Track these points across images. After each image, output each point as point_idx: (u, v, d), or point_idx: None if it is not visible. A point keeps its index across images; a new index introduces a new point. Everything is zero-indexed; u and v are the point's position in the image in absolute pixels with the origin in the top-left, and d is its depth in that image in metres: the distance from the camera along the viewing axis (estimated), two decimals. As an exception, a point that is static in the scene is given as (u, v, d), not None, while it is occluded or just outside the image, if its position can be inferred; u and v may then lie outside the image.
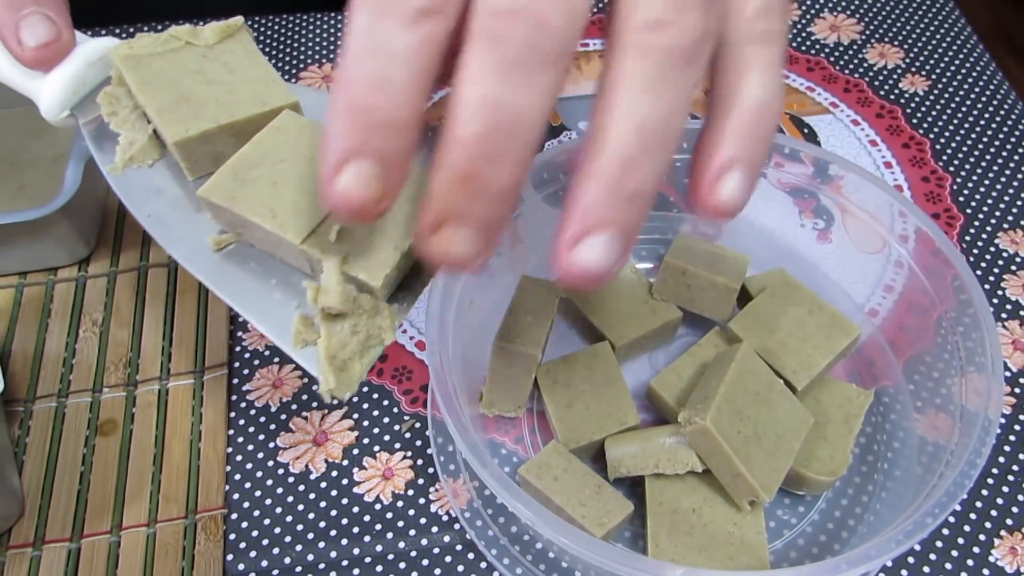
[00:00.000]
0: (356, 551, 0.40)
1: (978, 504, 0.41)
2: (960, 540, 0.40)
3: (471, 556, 0.40)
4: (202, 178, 0.33)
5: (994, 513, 0.41)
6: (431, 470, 0.42)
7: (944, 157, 0.56)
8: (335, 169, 0.23)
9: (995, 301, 0.49)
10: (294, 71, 0.61)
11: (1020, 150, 0.56)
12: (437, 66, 0.23)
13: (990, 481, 0.42)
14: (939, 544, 0.40)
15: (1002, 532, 0.41)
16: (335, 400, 0.37)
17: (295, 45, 0.62)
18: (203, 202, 0.31)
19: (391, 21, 0.22)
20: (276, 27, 0.64)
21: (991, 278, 0.50)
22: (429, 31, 0.22)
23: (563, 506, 0.37)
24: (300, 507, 0.41)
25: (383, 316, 0.30)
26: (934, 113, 0.59)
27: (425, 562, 0.39)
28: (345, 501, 0.41)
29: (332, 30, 0.64)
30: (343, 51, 0.22)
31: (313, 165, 0.31)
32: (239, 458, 0.43)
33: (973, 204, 0.53)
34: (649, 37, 0.23)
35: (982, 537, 0.40)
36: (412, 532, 0.40)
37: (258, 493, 0.42)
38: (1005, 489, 0.42)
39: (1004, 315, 0.48)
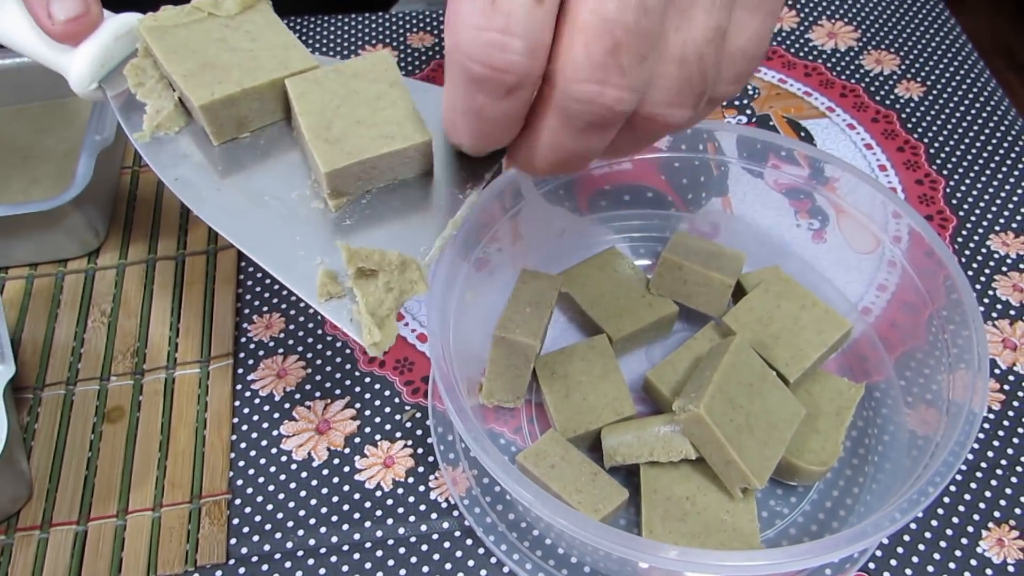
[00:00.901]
0: (357, 536, 0.41)
1: (967, 497, 0.42)
2: (948, 531, 0.41)
3: (469, 542, 0.41)
4: (227, 143, 0.35)
5: (982, 506, 0.42)
6: (431, 458, 0.43)
7: (938, 161, 0.57)
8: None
9: (986, 301, 0.50)
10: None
11: (1012, 154, 0.57)
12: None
13: (978, 475, 0.43)
14: (928, 535, 0.41)
15: (990, 524, 0.41)
16: (377, 355, 0.38)
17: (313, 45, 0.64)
18: (332, 178, 0.32)
19: (486, 94, 0.26)
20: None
21: (982, 278, 0.51)
22: (516, 99, 0.26)
23: (560, 493, 0.38)
24: (302, 493, 0.42)
25: (412, 270, 0.31)
26: (928, 118, 0.60)
27: (424, 547, 0.40)
28: (346, 488, 0.42)
29: (342, 31, 0.65)
30: (446, 98, 0.28)
31: (365, 98, 0.33)
32: (243, 445, 0.44)
33: (966, 207, 0.54)
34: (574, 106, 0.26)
35: (970, 529, 0.41)
36: (412, 518, 0.41)
37: (261, 479, 0.43)
38: (993, 483, 0.43)
39: (995, 314, 0.49)
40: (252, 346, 0.47)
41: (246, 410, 0.45)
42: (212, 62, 0.34)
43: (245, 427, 0.44)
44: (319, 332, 0.48)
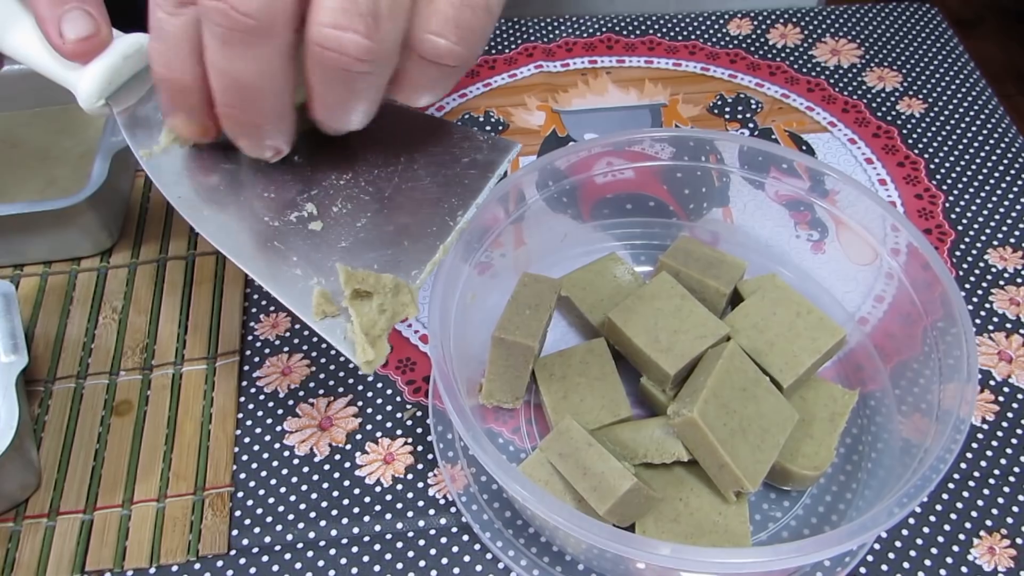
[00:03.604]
0: (356, 530, 0.41)
1: (959, 505, 0.43)
2: (940, 539, 0.42)
3: (466, 538, 0.41)
4: (231, 164, 0.36)
5: (974, 514, 0.42)
6: (430, 456, 0.44)
7: (938, 176, 0.58)
8: (165, 111, 0.34)
9: (983, 314, 0.50)
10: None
11: (1012, 171, 0.58)
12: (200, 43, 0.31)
13: (971, 484, 0.43)
14: (919, 542, 0.41)
15: (981, 532, 0.42)
16: (369, 373, 0.39)
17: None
18: (676, 377, 0.41)
19: (161, 11, 0.30)
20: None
21: (979, 291, 0.51)
22: (190, 16, 0.30)
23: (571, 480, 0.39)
24: (304, 487, 0.43)
25: (404, 293, 0.32)
26: (929, 134, 0.60)
27: (422, 543, 0.41)
28: (347, 483, 0.43)
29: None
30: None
31: (671, 312, 0.42)
32: (247, 440, 0.45)
33: (964, 221, 0.55)
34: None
35: (962, 537, 0.42)
36: (410, 514, 0.42)
37: (264, 473, 0.43)
38: (985, 492, 0.43)
39: (991, 327, 0.50)
40: (258, 344, 0.48)
41: (251, 406, 0.46)
42: None
43: (249, 422, 0.45)
44: (324, 332, 0.49)
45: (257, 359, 0.48)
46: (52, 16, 0.34)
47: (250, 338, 0.49)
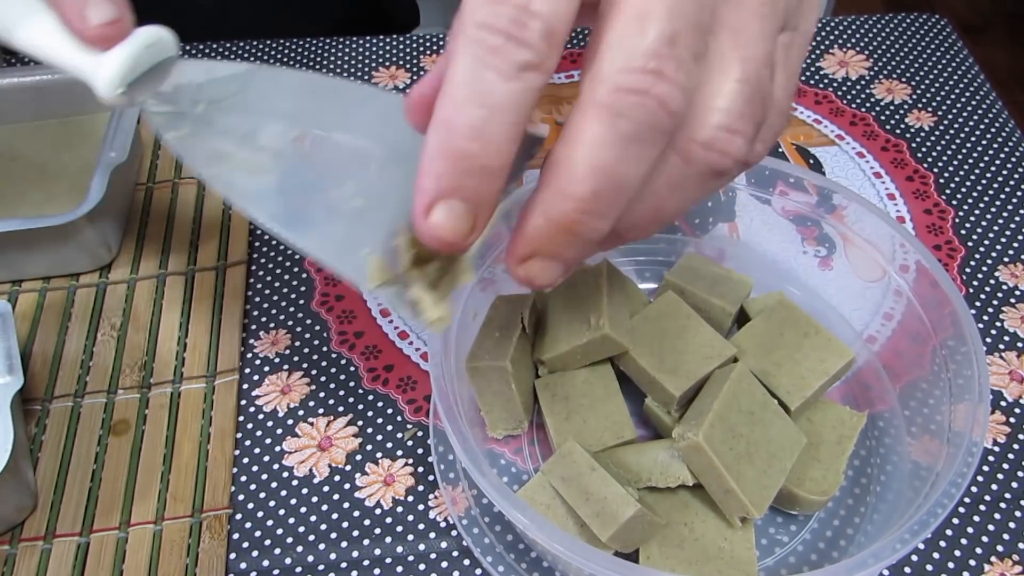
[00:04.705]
0: (355, 554, 0.41)
1: (969, 530, 0.42)
2: (951, 564, 0.41)
3: (467, 562, 0.41)
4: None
5: (985, 539, 0.42)
6: (431, 477, 0.43)
7: (948, 191, 0.57)
8: (428, 206, 0.25)
9: (993, 332, 0.50)
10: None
11: (1023, 186, 0.57)
12: (530, 115, 0.24)
13: (982, 507, 0.43)
14: (929, 568, 0.41)
15: (992, 558, 0.41)
16: (439, 332, 0.38)
17: (315, 68, 0.65)
18: (681, 399, 0.40)
19: (495, 72, 0.23)
20: (295, 50, 0.66)
21: (990, 309, 0.51)
22: (530, 84, 0.23)
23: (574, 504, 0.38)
24: (303, 510, 0.42)
25: (459, 260, 0.32)
26: (939, 148, 0.60)
27: (422, 567, 0.40)
28: (346, 505, 0.42)
29: (358, 53, 0.66)
30: (444, 92, 0.24)
31: (675, 332, 0.41)
32: (246, 460, 0.44)
33: (975, 237, 0.54)
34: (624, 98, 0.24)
35: (972, 563, 0.41)
36: (410, 537, 0.41)
37: (263, 495, 0.43)
38: (997, 516, 0.42)
39: (1002, 346, 0.49)
40: (258, 362, 0.48)
41: (250, 425, 0.45)
42: None
43: (248, 442, 0.45)
44: (324, 349, 0.48)
45: (256, 377, 0.47)
46: (75, 1, 0.34)
47: (249, 355, 0.48)
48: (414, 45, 0.67)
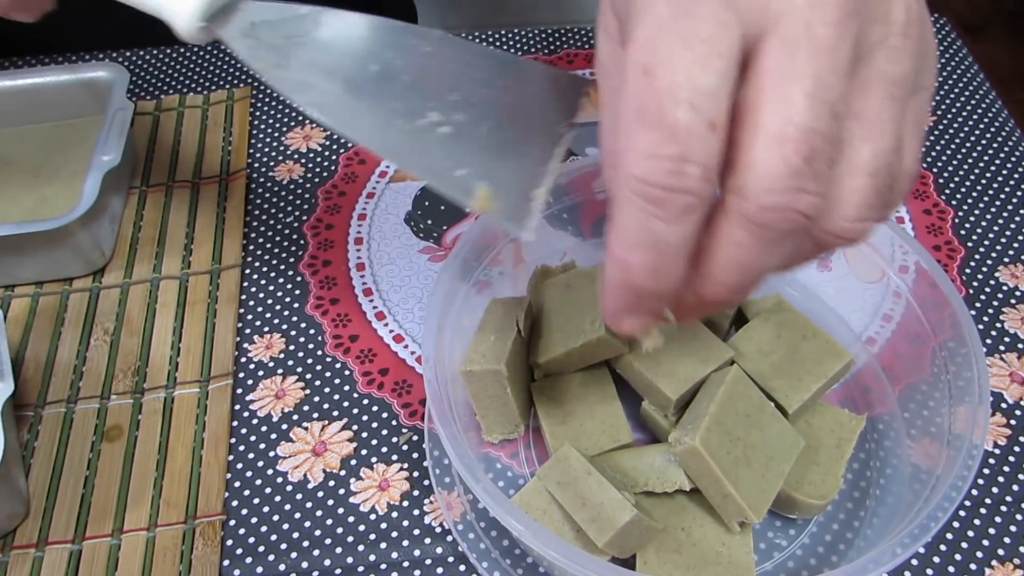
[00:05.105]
0: (349, 560, 0.40)
1: (970, 533, 0.41)
2: (951, 568, 0.40)
3: (462, 568, 0.40)
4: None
5: (986, 543, 0.41)
6: (427, 482, 0.43)
7: (947, 191, 0.56)
8: (615, 316, 0.29)
9: (994, 333, 0.49)
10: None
11: (1023, 186, 0.57)
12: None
13: (982, 511, 0.42)
14: (930, 572, 0.40)
15: (993, 562, 0.40)
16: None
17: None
18: (678, 402, 0.41)
19: (660, 220, 0.25)
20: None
21: (990, 310, 0.50)
22: (693, 221, 0.26)
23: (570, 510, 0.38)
24: (297, 515, 0.42)
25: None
26: (938, 147, 0.59)
27: (417, 573, 0.40)
28: (341, 511, 0.42)
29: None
30: (615, 234, 0.26)
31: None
32: (240, 466, 0.44)
33: (974, 238, 0.54)
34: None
35: (973, 567, 0.40)
36: (405, 543, 0.41)
37: (256, 500, 0.42)
38: (997, 519, 0.42)
39: (1002, 347, 0.49)
40: (252, 366, 0.48)
41: (244, 430, 0.45)
42: None
43: (242, 448, 0.44)
44: (319, 353, 0.48)
45: (250, 382, 0.47)
46: None
47: (243, 360, 0.48)
48: (410, 46, 0.66)
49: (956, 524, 0.42)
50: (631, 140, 0.25)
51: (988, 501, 0.42)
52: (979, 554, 0.41)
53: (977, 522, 0.42)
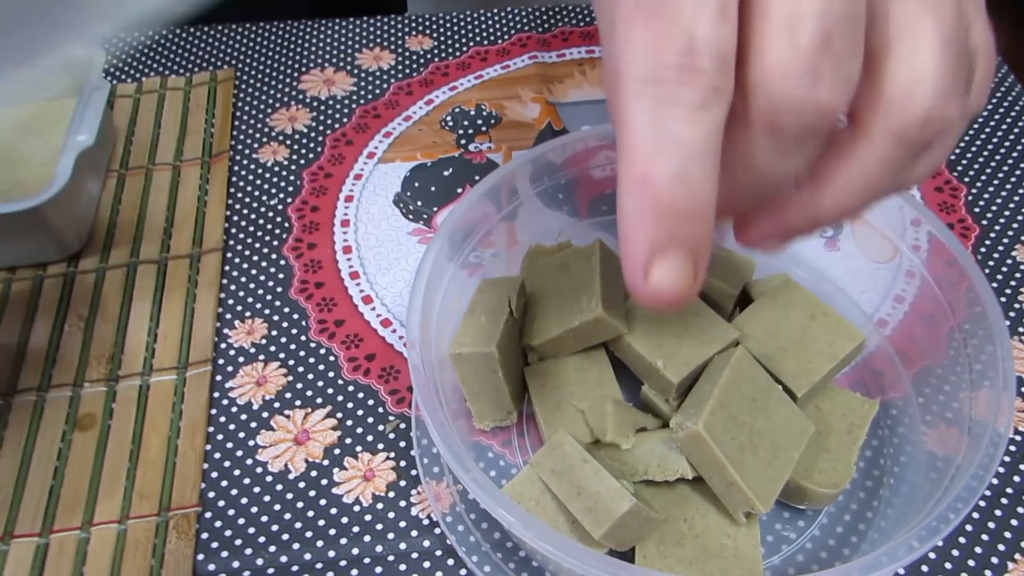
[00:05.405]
0: (331, 553, 0.38)
1: (991, 525, 0.39)
2: (971, 563, 0.38)
3: (451, 562, 0.38)
4: None
5: (1008, 535, 0.39)
6: (414, 472, 0.41)
7: (959, 167, 0.54)
8: (645, 267, 0.23)
9: (1012, 315, 0.47)
10: (296, 75, 0.60)
11: (1040, 163, 0.54)
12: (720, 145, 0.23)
13: (1004, 501, 0.40)
14: (948, 566, 0.38)
15: (1016, 555, 0.38)
16: None
17: (297, 50, 0.62)
18: (680, 386, 0.38)
19: (676, 119, 0.22)
20: (277, 32, 0.64)
21: (1007, 291, 0.48)
22: (711, 121, 0.22)
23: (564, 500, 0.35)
24: (276, 507, 0.40)
25: None
26: (950, 125, 0.57)
27: (403, 567, 0.38)
28: (323, 502, 0.40)
29: (340, 34, 0.63)
30: (626, 152, 0.22)
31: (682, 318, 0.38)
32: (217, 455, 0.41)
33: (989, 215, 0.51)
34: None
35: (995, 560, 0.38)
36: (391, 536, 0.39)
37: (234, 492, 0.40)
38: (1020, 510, 0.39)
39: (1021, 329, 0.46)
40: (232, 352, 0.45)
41: (222, 419, 0.43)
42: None
43: (220, 436, 0.42)
44: (302, 339, 0.46)
45: (230, 368, 0.45)
46: None
47: (223, 346, 0.46)
48: (398, 26, 0.64)
49: (976, 515, 0.39)
50: (631, 38, 0.22)
51: (1010, 491, 0.40)
52: (1001, 547, 0.38)
53: (998, 513, 0.39)
